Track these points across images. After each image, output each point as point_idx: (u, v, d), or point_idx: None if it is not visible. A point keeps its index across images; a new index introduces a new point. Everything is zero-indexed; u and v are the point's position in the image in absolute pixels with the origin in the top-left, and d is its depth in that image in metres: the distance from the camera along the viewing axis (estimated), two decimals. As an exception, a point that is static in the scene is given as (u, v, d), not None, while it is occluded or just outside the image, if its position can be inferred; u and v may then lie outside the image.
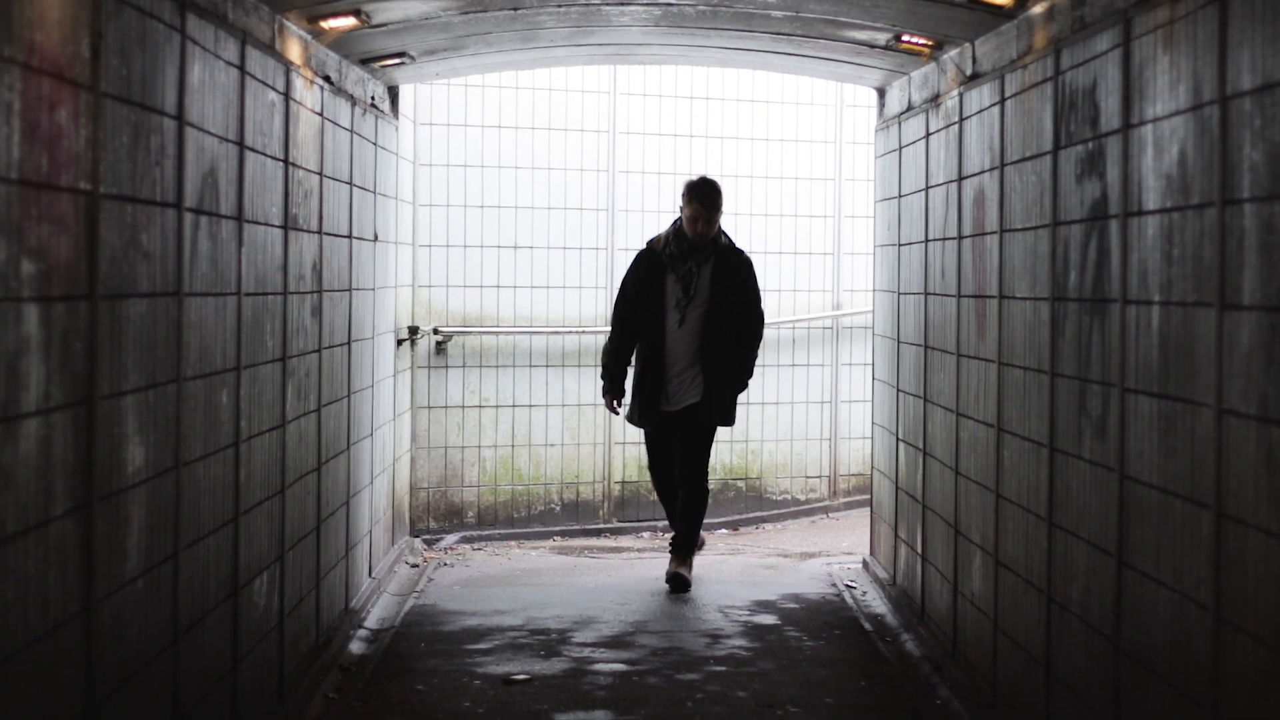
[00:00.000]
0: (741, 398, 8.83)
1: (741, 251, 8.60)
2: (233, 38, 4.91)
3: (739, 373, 8.59)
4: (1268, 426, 3.41)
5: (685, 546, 8.61)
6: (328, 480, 6.68)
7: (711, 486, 10.09)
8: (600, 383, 8.99)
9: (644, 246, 8.71)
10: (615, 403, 8.76)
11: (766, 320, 11.05)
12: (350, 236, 7.13)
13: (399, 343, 9.30)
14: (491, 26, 7.22)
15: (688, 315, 8.38)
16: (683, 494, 8.65)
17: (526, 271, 10.51)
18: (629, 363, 8.68)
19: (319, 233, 6.35)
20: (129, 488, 3.91)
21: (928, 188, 7.21)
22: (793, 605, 8.15)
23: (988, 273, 6.02)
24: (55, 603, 3.41)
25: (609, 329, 8.89)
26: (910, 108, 7.74)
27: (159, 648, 4.21)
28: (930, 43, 6.87)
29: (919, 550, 7.36)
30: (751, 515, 11.29)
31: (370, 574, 8.09)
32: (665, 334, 8.41)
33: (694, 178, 8.52)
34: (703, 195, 8.37)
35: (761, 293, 8.73)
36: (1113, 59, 4.54)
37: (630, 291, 8.56)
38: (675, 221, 8.56)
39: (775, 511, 11.42)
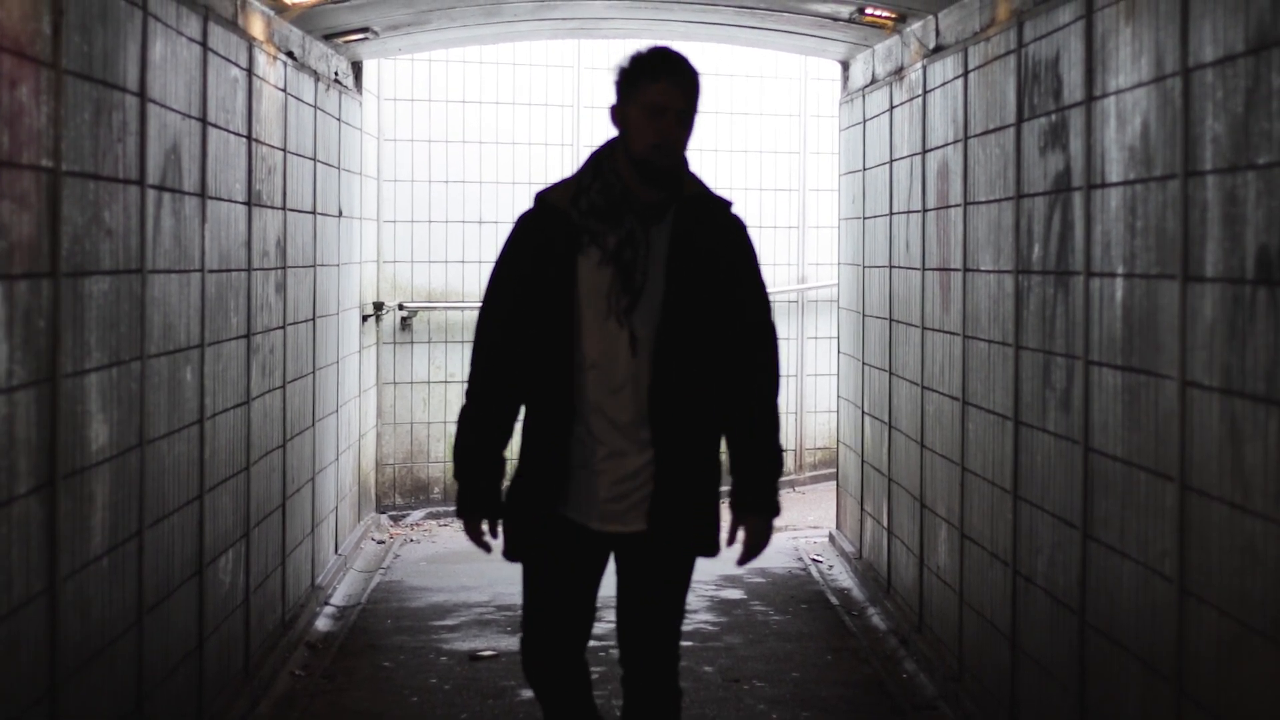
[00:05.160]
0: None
1: (729, 204, 4.16)
2: (195, 14, 4.87)
3: (761, 458, 4.04)
4: (1231, 398, 3.43)
5: None
6: (293, 457, 6.66)
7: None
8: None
9: (529, 208, 4.04)
10: (491, 527, 4.20)
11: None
12: (314, 212, 7.10)
13: (363, 318, 9.27)
14: (455, 1, 7.18)
15: (637, 326, 3.89)
16: (634, 702, 4.06)
17: (492, 246, 10.42)
18: (506, 440, 4.23)
19: (283, 209, 6.31)
20: (93, 465, 3.89)
21: (892, 161, 7.21)
22: (759, 580, 8.17)
23: (952, 245, 6.03)
24: (19, 581, 3.39)
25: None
26: (874, 81, 7.74)
27: (124, 626, 4.19)
28: (894, 15, 6.87)
29: (885, 524, 7.38)
30: (718, 489, 11.27)
31: (336, 551, 8.08)
32: (583, 368, 3.92)
33: (641, 49, 4.11)
34: (674, 71, 4.11)
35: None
36: (1075, 31, 4.54)
37: (508, 291, 4.00)
38: (593, 155, 4.04)
39: (741, 485, 11.40)
